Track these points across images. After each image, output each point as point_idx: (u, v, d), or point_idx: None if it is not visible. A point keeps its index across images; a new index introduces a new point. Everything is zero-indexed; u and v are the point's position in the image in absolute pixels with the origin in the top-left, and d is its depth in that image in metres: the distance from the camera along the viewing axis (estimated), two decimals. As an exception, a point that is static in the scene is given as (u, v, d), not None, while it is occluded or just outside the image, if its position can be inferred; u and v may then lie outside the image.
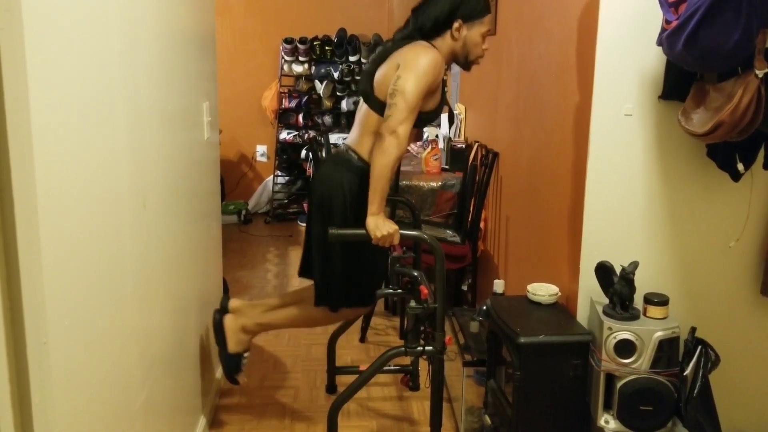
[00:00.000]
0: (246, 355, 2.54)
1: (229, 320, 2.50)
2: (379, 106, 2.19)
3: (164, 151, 1.93)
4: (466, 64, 2.30)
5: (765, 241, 2.14)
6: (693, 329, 2.06)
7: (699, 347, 2.03)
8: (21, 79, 1.02)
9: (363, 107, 2.29)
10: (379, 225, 2.10)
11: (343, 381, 2.82)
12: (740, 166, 2.01)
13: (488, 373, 2.39)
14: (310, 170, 5.54)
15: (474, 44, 2.23)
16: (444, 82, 2.28)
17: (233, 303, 2.56)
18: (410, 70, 2.10)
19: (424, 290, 2.24)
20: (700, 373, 2.01)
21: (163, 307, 1.92)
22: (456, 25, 2.19)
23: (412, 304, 2.22)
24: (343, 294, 2.36)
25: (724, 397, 2.08)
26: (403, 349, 2.26)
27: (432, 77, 2.12)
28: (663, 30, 1.85)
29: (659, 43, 1.89)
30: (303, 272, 2.49)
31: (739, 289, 2.18)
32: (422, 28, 2.21)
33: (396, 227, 2.11)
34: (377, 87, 2.22)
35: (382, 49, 2.30)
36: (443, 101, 2.30)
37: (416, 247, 2.87)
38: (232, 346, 2.50)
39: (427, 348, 2.23)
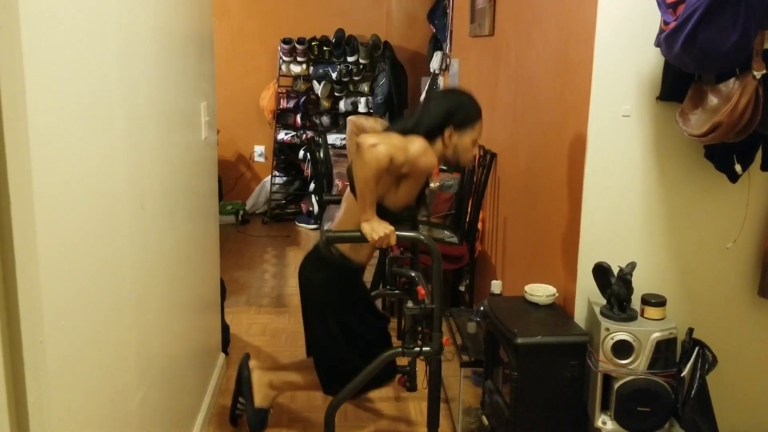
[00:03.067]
0: (271, 411, 2.58)
1: (256, 375, 2.55)
2: None
3: (162, 151, 1.93)
4: (456, 166, 2.43)
5: (762, 242, 2.14)
6: (690, 330, 2.07)
7: (696, 348, 2.03)
8: (18, 79, 1.02)
9: (349, 196, 2.31)
10: (375, 228, 2.11)
11: (341, 381, 2.81)
12: (738, 168, 2.01)
13: (485, 374, 2.39)
14: (307, 171, 5.54)
15: (464, 150, 2.25)
16: (428, 183, 2.38)
17: (253, 362, 2.60)
18: (404, 141, 2.14)
19: (422, 291, 2.24)
20: (698, 374, 2.01)
21: (161, 307, 1.92)
22: (447, 132, 2.21)
23: (410, 304, 2.22)
24: (349, 371, 2.34)
25: (721, 398, 2.08)
26: (400, 349, 2.26)
27: (419, 162, 2.13)
28: (661, 31, 1.86)
29: (657, 44, 1.89)
30: (310, 351, 2.51)
31: (737, 291, 2.18)
32: (415, 131, 2.21)
33: (392, 228, 2.12)
34: None
35: None
36: (421, 201, 2.39)
37: (414, 247, 2.87)
38: (259, 401, 2.52)
39: (424, 349, 2.22)
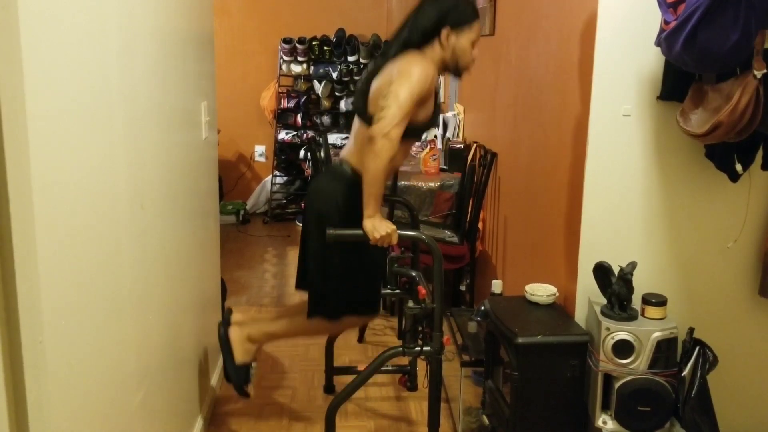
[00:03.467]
0: (254, 365, 2.55)
1: (234, 331, 2.50)
2: (372, 122, 2.20)
3: (162, 150, 1.93)
4: (457, 71, 2.30)
5: (763, 241, 2.14)
6: (691, 330, 2.06)
7: (697, 348, 2.03)
8: (17, 79, 1.02)
9: (357, 123, 2.31)
10: (377, 226, 2.10)
11: (341, 381, 2.81)
12: (738, 167, 2.01)
13: (486, 374, 2.39)
14: (308, 170, 5.53)
15: (463, 51, 2.22)
16: (437, 92, 2.29)
17: (236, 316, 2.57)
18: (403, 77, 2.11)
19: (422, 290, 2.24)
20: (698, 374, 2.01)
21: (161, 307, 1.92)
22: (444, 32, 2.19)
23: (410, 304, 2.22)
24: (344, 302, 2.36)
25: (722, 397, 2.08)
26: (401, 349, 2.26)
27: (424, 85, 2.12)
28: (662, 30, 1.85)
29: (658, 43, 1.89)
30: (300, 285, 2.51)
31: (737, 290, 2.18)
32: (411, 39, 2.21)
33: (393, 227, 2.12)
34: (371, 102, 2.24)
35: (374, 65, 2.32)
36: (437, 111, 2.31)
37: (414, 247, 2.87)
38: (239, 357, 2.49)
39: (425, 348, 2.22)
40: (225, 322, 2.53)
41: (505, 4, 3.22)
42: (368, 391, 2.91)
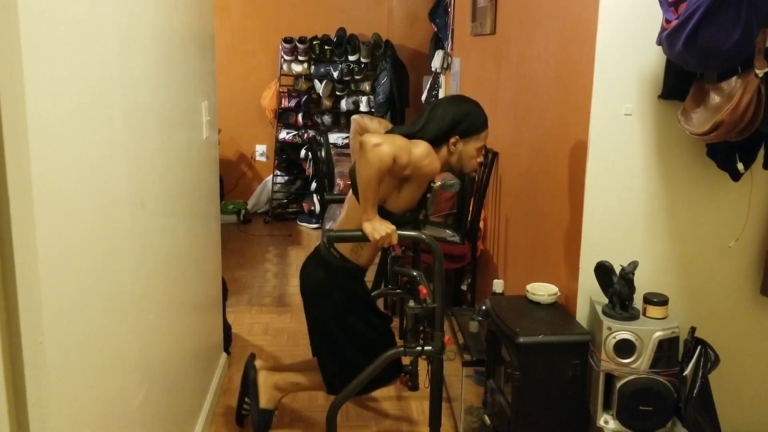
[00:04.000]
0: (276, 412, 2.58)
1: (263, 376, 2.55)
2: None
3: (163, 150, 1.93)
4: (460, 175, 2.36)
5: (764, 240, 2.13)
6: (692, 329, 2.06)
7: (699, 347, 2.03)
8: (17, 79, 1.01)
9: (351, 197, 2.31)
10: (376, 227, 2.11)
11: (342, 381, 2.81)
12: (740, 166, 2.00)
13: (487, 373, 2.39)
14: (309, 170, 5.54)
15: (469, 157, 2.25)
16: (429, 192, 2.32)
17: (259, 363, 2.61)
18: (406, 143, 2.13)
19: (423, 290, 2.23)
20: (700, 373, 2.00)
21: (161, 307, 1.92)
22: (453, 140, 2.21)
23: (411, 304, 2.22)
24: (353, 371, 2.34)
25: (723, 397, 2.07)
26: (402, 349, 2.26)
27: (421, 162, 2.11)
28: (663, 29, 1.85)
29: (659, 42, 1.88)
30: (314, 351, 2.51)
31: (739, 289, 2.17)
32: (425, 134, 2.21)
33: (393, 227, 2.12)
34: None
35: None
36: (422, 205, 2.31)
37: (415, 246, 2.86)
38: (264, 402, 2.52)
39: (426, 348, 2.22)
40: (252, 366, 2.57)
41: (505, 4, 3.22)
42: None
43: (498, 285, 2.67)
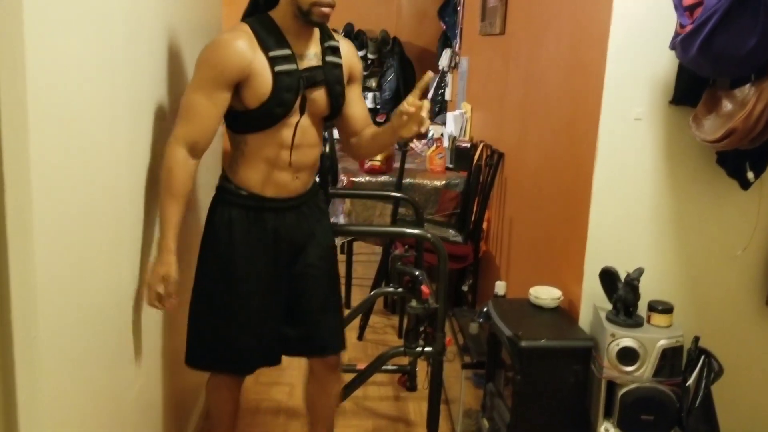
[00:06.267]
0: None
1: None
2: None
3: (165, 143, 1.91)
4: (304, 16, 1.75)
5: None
6: (696, 338, 2.03)
7: (702, 357, 2.00)
8: (19, 69, 0.99)
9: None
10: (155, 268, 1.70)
11: (340, 379, 2.79)
12: (750, 175, 1.98)
13: (487, 376, 2.36)
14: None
15: None
16: (277, 71, 1.72)
17: None
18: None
19: (426, 290, 2.21)
20: (703, 384, 1.98)
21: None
22: None
23: (413, 303, 2.20)
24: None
25: (726, 408, 2.04)
26: (402, 349, 2.24)
27: (209, 63, 1.70)
28: (677, 34, 1.82)
29: (672, 47, 1.85)
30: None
31: (745, 299, 2.15)
32: (256, 5, 1.81)
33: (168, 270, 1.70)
34: None
35: None
36: (284, 90, 1.72)
37: (418, 245, 2.84)
38: None
39: (426, 349, 2.21)
40: None
41: (516, 4, 3.19)
42: (367, 390, 2.89)
43: (500, 287, 2.64)
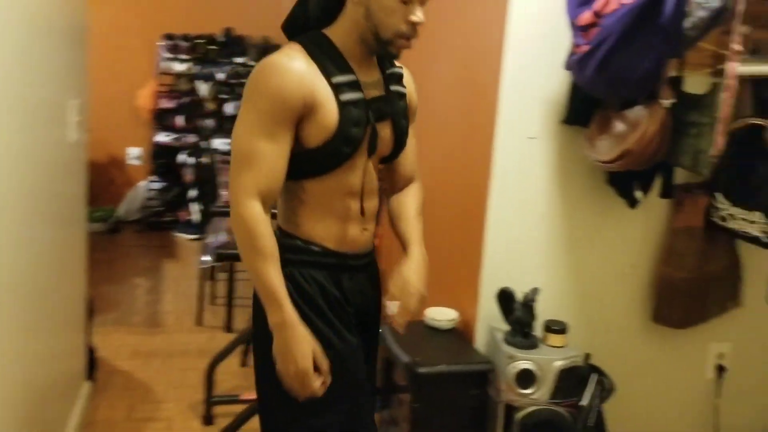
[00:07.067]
0: None
1: None
2: None
3: (21, 150, 1.67)
4: (379, 45, 1.39)
5: (656, 267, 2.16)
6: (587, 356, 2.04)
7: (594, 375, 2.01)
8: None
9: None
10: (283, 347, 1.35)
11: (223, 411, 2.58)
12: (638, 194, 2.03)
13: (382, 402, 2.26)
14: (189, 176, 5.22)
15: (382, 9, 1.34)
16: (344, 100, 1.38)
17: None
18: (242, 103, 1.39)
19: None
20: (596, 402, 1.99)
21: (14, 328, 1.65)
22: None
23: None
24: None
25: (618, 422, 2.07)
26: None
27: (266, 93, 1.33)
28: (572, 54, 1.82)
29: (568, 67, 1.85)
30: None
31: (633, 316, 2.20)
32: (302, 20, 1.45)
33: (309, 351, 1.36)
34: None
35: None
36: (351, 124, 1.38)
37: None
38: None
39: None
40: None
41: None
42: (256, 423, 2.70)
43: (393, 307, 2.55)
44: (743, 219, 1.95)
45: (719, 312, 2.16)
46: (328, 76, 1.36)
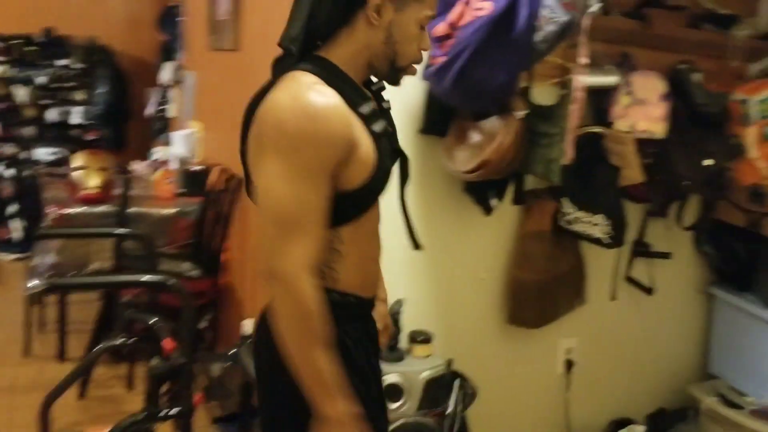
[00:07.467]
0: None
1: None
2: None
3: None
4: (392, 71, 1.30)
5: (508, 272, 2.23)
6: (449, 362, 2.06)
7: (456, 381, 2.03)
8: None
9: None
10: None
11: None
12: (493, 201, 2.08)
13: (242, 429, 2.14)
14: (8, 190, 4.70)
15: (405, 36, 1.25)
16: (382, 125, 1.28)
17: None
18: (269, 155, 1.17)
19: (169, 344, 1.90)
20: (459, 409, 2.01)
21: None
22: (376, 1, 1.21)
23: (155, 362, 1.88)
24: None
25: (482, 428, 2.11)
26: (143, 415, 1.90)
27: (310, 143, 1.14)
28: (429, 65, 1.82)
29: (426, 77, 1.85)
30: None
31: (491, 319, 2.25)
32: (312, 31, 1.25)
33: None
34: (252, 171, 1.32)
35: (252, 99, 1.34)
36: (386, 156, 1.28)
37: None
38: None
39: (172, 411, 1.90)
40: None
41: (251, 19, 3.01)
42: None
43: (249, 325, 2.43)
44: (587, 222, 2.07)
45: (568, 309, 2.27)
46: (354, 106, 1.21)
